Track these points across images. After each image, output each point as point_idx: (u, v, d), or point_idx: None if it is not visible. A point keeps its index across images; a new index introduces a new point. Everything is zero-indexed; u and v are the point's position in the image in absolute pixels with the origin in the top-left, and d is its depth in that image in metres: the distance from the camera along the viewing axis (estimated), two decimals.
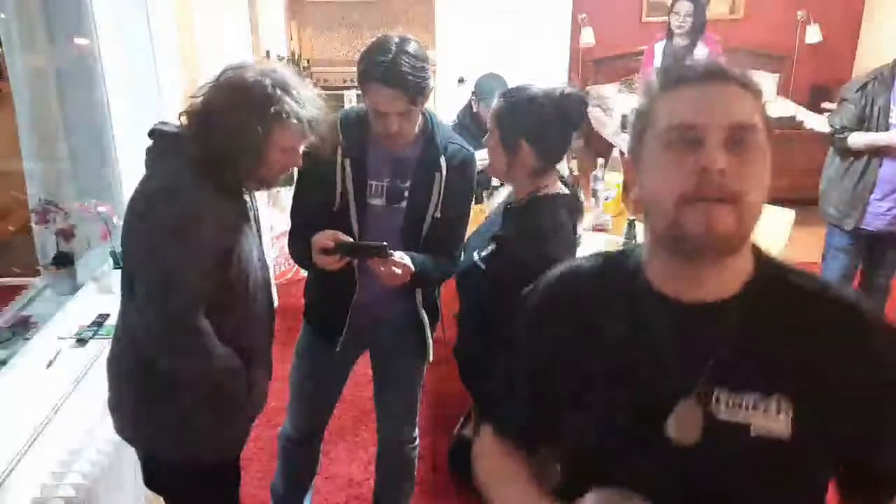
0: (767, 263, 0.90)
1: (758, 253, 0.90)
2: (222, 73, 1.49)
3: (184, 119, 1.50)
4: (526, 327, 1.00)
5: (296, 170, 1.80)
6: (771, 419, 0.82)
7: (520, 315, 1.01)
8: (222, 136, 1.43)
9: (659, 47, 4.35)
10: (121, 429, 1.64)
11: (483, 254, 1.71)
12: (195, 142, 1.46)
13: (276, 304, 1.80)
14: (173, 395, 1.53)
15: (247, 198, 1.61)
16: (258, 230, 1.67)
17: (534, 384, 0.98)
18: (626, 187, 3.59)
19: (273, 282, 2.90)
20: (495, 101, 1.67)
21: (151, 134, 1.52)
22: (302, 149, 1.53)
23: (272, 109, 1.42)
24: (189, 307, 1.44)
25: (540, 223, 1.62)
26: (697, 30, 4.13)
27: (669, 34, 4.19)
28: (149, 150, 1.52)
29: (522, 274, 1.11)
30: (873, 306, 0.89)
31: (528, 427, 1.01)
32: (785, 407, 0.82)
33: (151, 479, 1.70)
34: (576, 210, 1.72)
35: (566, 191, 1.69)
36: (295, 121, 1.45)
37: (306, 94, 1.50)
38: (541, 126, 1.60)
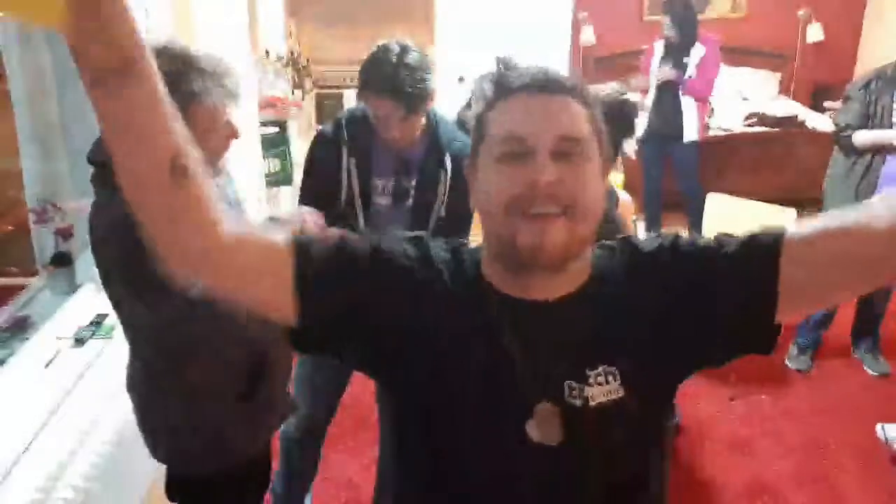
0: (598, 252, 0.91)
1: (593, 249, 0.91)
2: None
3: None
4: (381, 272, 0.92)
5: (302, 170, 1.80)
6: (606, 388, 0.84)
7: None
8: None
9: (659, 46, 4.40)
10: (153, 450, 1.62)
11: None
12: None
13: None
14: (193, 402, 1.51)
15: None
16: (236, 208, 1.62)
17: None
18: (627, 186, 3.60)
19: None
20: None
21: (89, 161, 1.45)
22: (233, 119, 1.40)
23: (183, 90, 1.28)
24: (158, 303, 1.36)
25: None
26: (688, 35, 4.23)
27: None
28: (90, 179, 1.46)
29: None
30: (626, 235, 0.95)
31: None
32: (612, 375, 0.85)
33: (172, 490, 1.68)
34: (612, 196, 1.70)
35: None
36: (211, 97, 1.33)
37: (208, 58, 1.36)
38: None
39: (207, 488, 1.58)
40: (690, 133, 4.32)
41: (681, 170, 4.45)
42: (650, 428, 0.90)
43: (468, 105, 3.40)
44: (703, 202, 3.57)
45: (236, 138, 1.48)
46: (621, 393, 0.84)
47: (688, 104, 4.28)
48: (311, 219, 1.57)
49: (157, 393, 1.57)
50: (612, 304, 0.86)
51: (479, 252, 0.93)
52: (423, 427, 0.88)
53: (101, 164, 1.44)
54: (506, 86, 0.85)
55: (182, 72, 1.30)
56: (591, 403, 0.83)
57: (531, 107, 0.82)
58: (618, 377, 0.84)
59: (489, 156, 0.84)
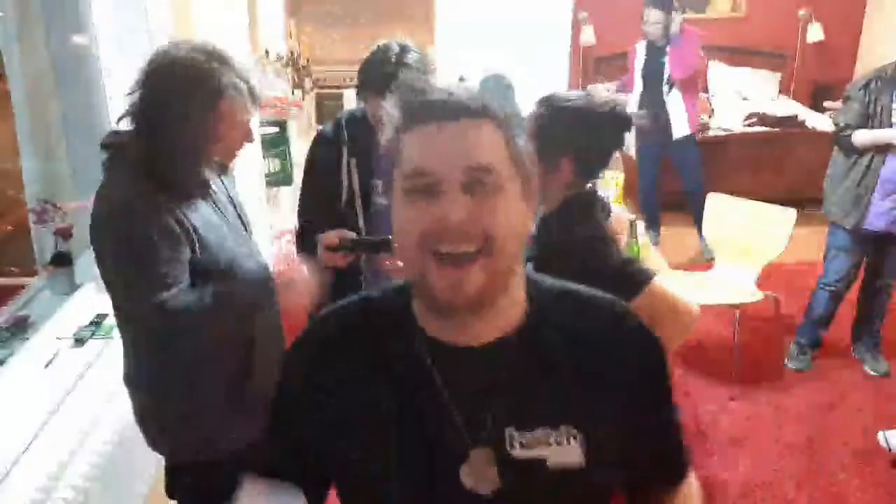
0: (540, 290, 0.86)
1: (533, 283, 0.86)
2: (151, 61, 1.41)
3: (124, 123, 1.45)
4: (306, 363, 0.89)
5: (300, 170, 1.80)
6: (564, 450, 0.80)
7: (293, 352, 0.91)
8: (167, 126, 1.37)
9: (641, 47, 4.38)
10: (151, 442, 1.64)
11: None
12: (139, 140, 1.41)
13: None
14: (186, 393, 1.54)
15: (213, 183, 1.57)
16: (240, 217, 1.65)
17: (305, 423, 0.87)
18: (626, 186, 3.58)
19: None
20: (533, 110, 1.54)
21: (102, 146, 1.48)
22: (252, 122, 1.47)
23: (212, 84, 1.37)
24: (148, 292, 1.40)
25: (589, 217, 1.54)
26: (667, 34, 4.20)
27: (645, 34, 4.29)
28: (102, 164, 1.49)
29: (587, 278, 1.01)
30: (629, 308, 0.88)
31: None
32: (574, 434, 0.80)
33: (172, 488, 1.69)
34: (605, 208, 1.69)
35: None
36: (236, 92, 1.40)
37: (240, 62, 1.45)
38: (588, 143, 1.49)
39: (203, 481, 1.59)
40: (681, 128, 4.28)
41: (682, 168, 4.41)
42: (604, 488, 0.86)
43: None
44: (704, 200, 3.56)
45: (250, 141, 1.52)
46: (577, 458, 0.80)
47: (673, 100, 4.26)
48: (291, 266, 1.60)
49: (151, 384, 1.59)
50: (557, 355, 0.82)
51: (408, 289, 0.86)
52: (357, 476, 0.85)
53: (109, 147, 1.47)
54: (410, 115, 0.79)
55: (214, 68, 1.38)
56: (534, 455, 0.79)
57: (436, 137, 0.76)
58: (577, 439, 0.80)
59: (398, 189, 0.78)
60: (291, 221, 1.94)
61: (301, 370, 0.88)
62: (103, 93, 2.46)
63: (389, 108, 0.81)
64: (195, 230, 1.46)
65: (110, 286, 1.49)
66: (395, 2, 5.77)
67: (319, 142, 1.85)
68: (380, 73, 1.63)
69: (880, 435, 2.63)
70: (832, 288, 3.08)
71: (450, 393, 0.80)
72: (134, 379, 1.62)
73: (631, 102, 4.38)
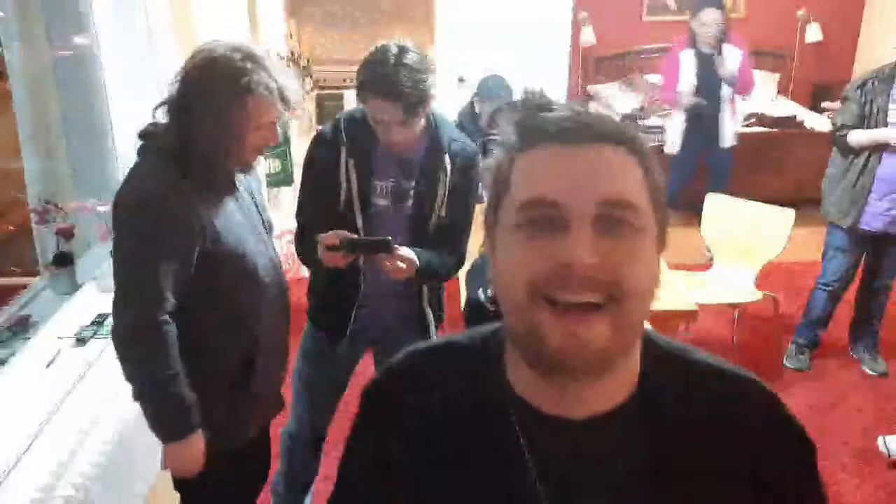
0: (657, 348, 0.71)
1: (645, 342, 0.70)
2: (191, 56, 1.48)
3: (160, 112, 1.50)
4: (370, 434, 0.76)
5: (300, 170, 1.81)
6: None
7: (364, 415, 0.79)
8: (196, 120, 1.43)
9: (686, 57, 4.02)
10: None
11: (490, 292, 1.69)
12: (171, 130, 1.47)
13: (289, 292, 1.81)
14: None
15: (239, 183, 1.61)
16: (261, 216, 1.68)
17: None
18: None
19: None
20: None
21: (138, 136, 1.54)
22: (279, 126, 1.52)
23: (243, 81, 1.42)
24: (147, 295, 1.45)
25: None
26: (723, 36, 3.92)
27: (693, 42, 3.97)
28: (136, 151, 1.55)
29: None
30: (772, 390, 0.74)
31: None
32: None
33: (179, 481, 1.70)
34: None
35: None
36: (267, 92, 1.44)
37: (277, 65, 1.50)
38: None
39: (205, 474, 1.60)
40: (729, 138, 4.18)
41: (716, 173, 4.28)
42: None
43: (470, 105, 3.39)
44: None
45: (275, 143, 1.56)
46: None
47: (726, 113, 4.13)
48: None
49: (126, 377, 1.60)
50: (679, 435, 0.67)
51: (500, 339, 0.72)
52: None
53: (144, 137, 1.53)
54: (530, 132, 0.65)
55: (247, 67, 1.42)
56: None
57: (566, 161, 0.63)
58: None
59: (508, 221, 0.64)
60: (292, 222, 1.95)
61: (370, 437, 0.75)
62: (104, 93, 2.47)
63: (503, 125, 0.68)
64: (212, 224, 1.49)
65: (114, 267, 1.52)
66: (395, 2, 5.77)
67: (318, 142, 1.85)
68: (378, 74, 1.63)
69: (880, 440, 2.64)
70: (830, 288, 3.08)
71: (543, 483, 0.66)
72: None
73: (675, 120, 4.18)
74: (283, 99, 1.48)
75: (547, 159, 0.64)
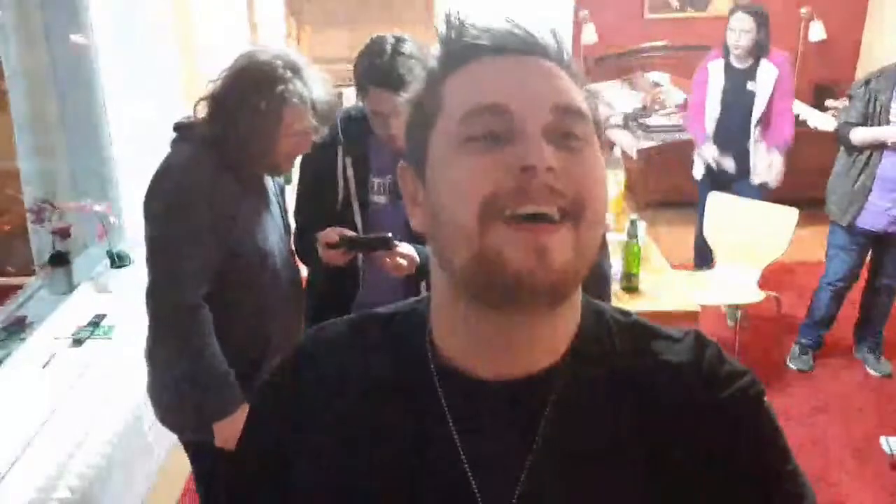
0: (590, 308, 0.64)
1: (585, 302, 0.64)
2: (238, 58, 1.54)
3: (200, 106, 1.56)
4: (268, 411, 0.69)
5: (298, 170, 1.80)
6: None
7: (260, 394, 0.72)
8: (231, 117, 1.49)
9: (715, 67, 3.35)
10: (160, 417, 1.70)
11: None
12: (207, 124, 1.53)
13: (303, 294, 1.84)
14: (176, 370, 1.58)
15: (266, 182, 1.66)
16: (283, 215, 1.72)
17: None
18: (628, 186, 3.54)
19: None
20: None
21: (174, 127, 1.61)
22: (311, 135, 1.57)
23: (278, 89, 1.47)
24: (185, 278, 1.49)
25: None
26: (761, 48, 3.21)
27: (726, 52, 3.29)
28: (171, 142, 1.60)
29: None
30: (712, 341, 0.64)
31: None
32: None
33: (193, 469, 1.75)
34: None
35: None
36: (300, 102, 1.50)
37: (316, 77, 1.55)
38: None
39: (205, 456, 1.63)
40: (761, 173, 3.34)
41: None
42: None
43: None
44: None
45: (305, 151, 1.61)
46: None
47: (760, 144, 3.33)
48: None
49: (162, 362, 1.64)
50: (616, 398, 0.61)
51: (422, 309, 0.66)
52: None
53: (179, 129, 1.58)
54: (464, 46, 0.59)
55: (286, 77, 1.48)
56: None
57: (509, 68, 0.57)
58: None
59: (448, 141, 0.57)
60: (291, 221, 1.94)
61: (274, 411, 0.67)
62: (102, 93, 2.46)
63: (424, 54, 0.62)
64: (240, 216, 1.54)
65: (147, 251, 1.55)
66: (395, 2, 5.76)
67: (315, 141, 1.84)
68: (376, 65, 1.62)
69: (882, 440, 2.62)
70: (833, 287, 3.06)
71: (468, 449, 0.60)
72: (151, 354, 1.66)
73: (700, 140, 3.45)
74: (315, 110, 1.53)
75: (489, 69, 0.58)
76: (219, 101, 1.52)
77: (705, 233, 3.41)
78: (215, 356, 1.52)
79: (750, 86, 3.28)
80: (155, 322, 1.55)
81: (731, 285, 3.17)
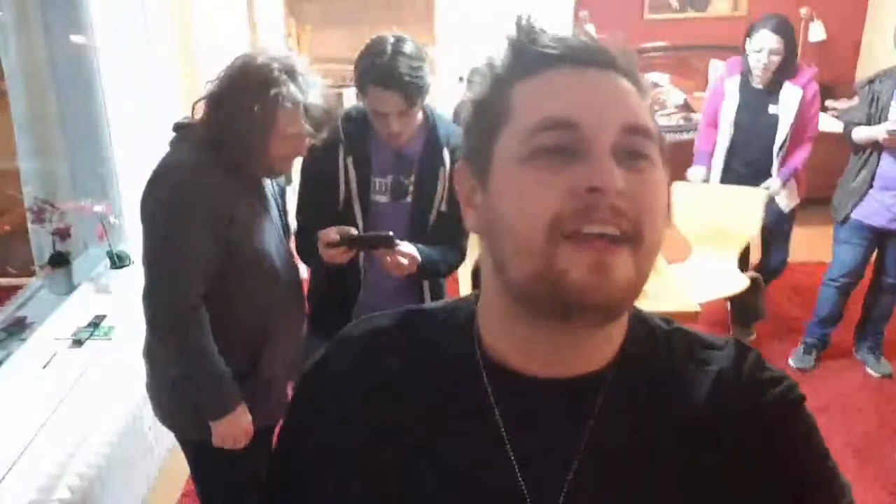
0: (635, 316, 0.65)
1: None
2: (235, 58, 1.55)
3: (199, 107, 1.57)
4: (310, 409, 0.68)
5: (299, 169, 1.81)
6: None
7: (302, 391, 0.71)
8: (226, 119, 1.49)
9: (731, 85, 3.05)
10: (160, 417, 1.70)
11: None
12: (204, 124, 1.53)
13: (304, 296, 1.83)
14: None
15: (265, 185, 1.66)
16: (282, 216, 1.72)
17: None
18: None
19: None
20: None
21: (173, 128, 1.61)
22: (306, 138, 1.57)
23: (272, 92, 1.47)
24: (182, 277, 1.49)
25: None
26: (785, 69, 2.89)
27: (746, 69, 2.98)
28: (169, 142, 1.61)
29: None
30: (755, 350, 0.65)
31: None
32: None
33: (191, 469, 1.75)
34: None
35: None
36: (293, 106, 1.49)
37: (312, 81, 1.55)
38: None
39: (204, 456, 1.64)
40: (789, 200, 3.13)
41: (771, 238, 3.31)
42: None
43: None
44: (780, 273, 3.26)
45: (301, 154, 1.61)
46: None
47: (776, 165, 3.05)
48: None
49: (159, 361, 1.64)
50: (660, 404, 0.61)
51: (469, 306, 0.66)
52: None
53: (178, 129, 1.59)
54: (536, 54, 0.58)
55: (281, 79, 1.48)
56: None
57: (581, 82, 0.56)
58: None
59: (512, 153, 0.56)
60: (292, 221, 1.94)
61: (311, 408, 0.67)
62: (101, 93, 2.45)
63: (491, 59, 0.61)
64: (238, 216, 1.54)
65: (144, 250, 1.55)
66: (395, 2, 5.76)
67: (316, 142, 1.84)
68: (377, 65, 1.62)
69: None
70: (836, 283, 3.06)
71: (515, 447, 0.60)
72: (150, 352, 1.66)
73: (697, 158, 3.21)
74: (307, 113, 1.52)
75: (562, 80, 0.57)
76: (215, 102, 1.52)
77: (676, 222, 3.26)
78: (213, 355, 1.52)
79: (772, 108, 2.94)
80: (152, 322, 1.55)
81: (715, 274, 3.13)
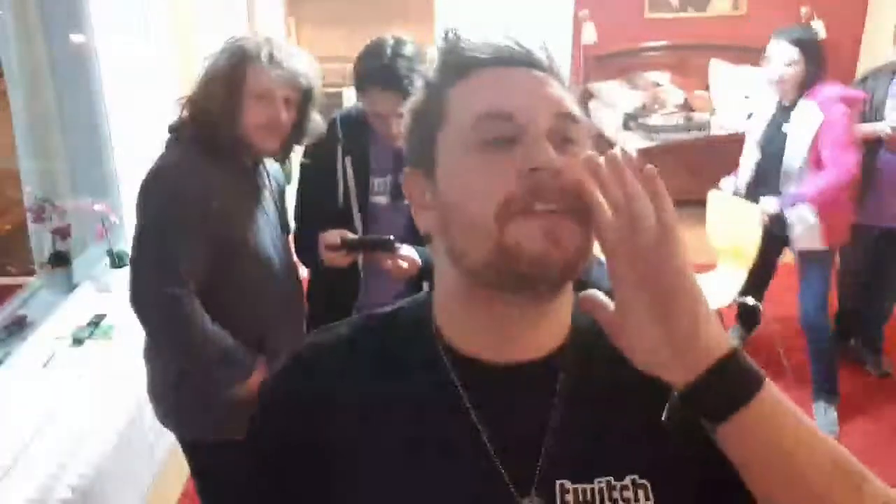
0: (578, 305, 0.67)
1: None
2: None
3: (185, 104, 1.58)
4: (276, 426, 0.69)
5: (298, 170, 1.80)
6: None
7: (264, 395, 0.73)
8: (201, 92, 1.51)
9: (768, 98, 2.82)
10: (161, 417, 1.70)
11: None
12: (188, 111, 1.54)
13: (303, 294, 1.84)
14: (185, 373, 1.59)
15: (263, 181, 1.65)
16: (280, 215, 1.71)
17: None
18: None
19: None
20: None
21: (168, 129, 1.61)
22: (282, 99, 1.54)
23: (240, 50, 1.49)
24: (171, 270, 1.48)
25: None
26: (808, 87, 2.60)
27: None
28: (165, 143, 1.61)
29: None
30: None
31: None
32: (642, 485, 0.63)
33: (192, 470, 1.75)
34: None
35: None
36: (265, 61, 1.49)
37: (289, 49, 1.55)
38: None
39: (204, 456, 1.64)
40: (808, 239, 2.64)
41: (801, 288, 2.83)
42: None
43: None
44: (828, 346, 2.79)
45: (274, 121, 1.54)
46: None
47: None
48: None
49: (158, 361, 1.64)
50: (613, 383, 0.64)
51: (425, 304, 0.69)
52: None
53: (171, 130, 1.59)
54: (465, 59, 0.64)
55: (257, 42, 1.51)
56: None
57: (511, 79, 0.62)
58: (647, 492, 0.63)
59: (456, 148, 0.62)
60: (291, 220, 1.94)
61: (283, 414, 0.68)
62: (101, 91, 2.45)
63: (426, 67, 0.67)
64: (229, 210, 1.53)
65: (133, 251, 1.56)
66: (395, 1, 5.76)
67: (315, 141, 1.84)
68: (377, 66, 1.62)
69: None
70: (840, 279, 3.05)
71: (487, 428, 0.63)
72: (149, 353, 1.66)
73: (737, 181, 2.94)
74: (273, 62, 1.51)
75: (493, 78, 0.63)
76: (195, 87, 1.54)
77: (708, 234, 3.29)
78: (214, 334, 1.51)
79: (785, 127, 2.65)
80: (147, 317, 1.52)
81: (726, 287, 3.11)
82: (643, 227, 0.53)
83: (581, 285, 0.63)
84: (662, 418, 0.57)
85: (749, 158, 2.86)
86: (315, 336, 0.72)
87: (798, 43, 2.58)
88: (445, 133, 0.63)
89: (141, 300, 1.52)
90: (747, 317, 3.27)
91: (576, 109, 0.63)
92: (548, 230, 0.58)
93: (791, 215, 2.63)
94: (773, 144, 2.71)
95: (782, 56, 2.59)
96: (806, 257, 2.75)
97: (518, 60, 0.64)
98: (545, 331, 0.66)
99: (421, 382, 0.65)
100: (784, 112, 2.68)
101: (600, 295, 0.59)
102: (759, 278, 3.02)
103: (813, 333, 2.79)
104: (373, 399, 0.65)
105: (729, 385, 0.54)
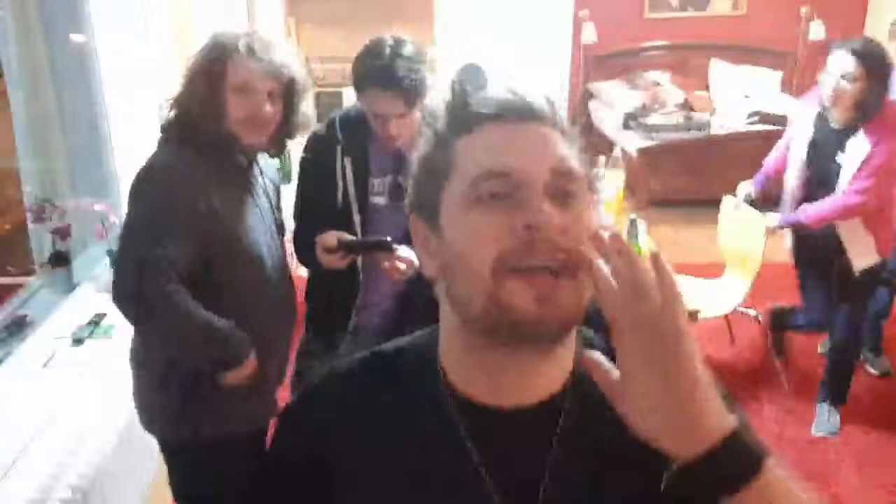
0: (581, 338, 0.71)
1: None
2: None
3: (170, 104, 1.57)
4: (287, 460, 0.73)
5: (297, 170, 1.80)
6: None
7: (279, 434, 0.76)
8: (185, 88, 1.51)
9: (807, 111, 2.55)
10: (146, 422, 1.69)
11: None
12: (174, 110, 1.54)
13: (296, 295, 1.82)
14: (167, 376, 1.58)
15: (256, 180, 1.64)
16: (275, 213, 1.70)
17: None
18: (628, 185, 3.52)
19: None
20: None
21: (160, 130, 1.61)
22: (264, 91, 1.52)
23: (225, 45, 1.48)
24: (153, 264, 1.44)
25: None
26: (866, 108, 2.30)
27: (822, 100, 2.42)
28: (157, 143, 1.60)
29: None
30: None
31: None
32: None
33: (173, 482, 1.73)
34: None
35: None
36: (244, 52, 1.48)
37: (271, 42, 1.54)
38: None
39: (185, 460, 1.64)
40: (863, 259, 2.53)
41: (840, 308, 2.69)
42: None
43: None
44: (852, 363, 2.75)
45: (255, 114, 1.52)
46: None
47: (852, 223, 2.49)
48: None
49: (144, 366, 1.64)
50: (612, 425, 0.62)
51: (431, 343, 0.72)
52: None
53: (163, 130, 1.59)
54: (470, 114, 0.66)
55: (237, 35, 1.50)
56: None
57: (512, 136, 0.65)
58: None
59: (458, 202, 0.64)
60: (290, 220, 1.93)
61: (295, 446, 0.72)
62: (101, 91, 2.45)
63: (433, 112, 0.69)
64: (221, 210, 1.51)
65: (118, 247, 1.56)
66: (395, 1, 5.76)
67: (314, 142, 1.84)
68: (377, 66, 1.62)
69: None
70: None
71: (490, 473, 0.65)
72: (136, 356, 1.65)
73: (755, 182, 2.81)
74: (251, 53, 1.49)
75: (496, 135, 0.65)
76: (180, 86, 1.54)
77: (719, 241, 3.22)
78: (206, 316, 1.49)
79: (839, 157, 2.41)
80: (127, 311, 1.50)
81: (731, 294, 3.07)
82: (646, 295, 0.53)
83: (585, 319, 0.64)
84: (661, 487, 0.57)
85: (792, 178, 2.61)
86: (331, 367, 0.76)
87: (861, 55, 2.27)
88: (450, 184, 0.66)
89: (122, 296, 1.49)
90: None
91: (575, 164, 0.65)
92: (541, 295, 0.60)
93: (841, 232, 2.50)
94: (823, 171, 2.45)
95: (842, 67, 2.28)
96: (856, 279, 2.56)
97: (522, 115, 0.66)
98: (545, 376, 0.67)
99: (426, 421, 0.68)
100: (836, 137, 2.40)
101: (603, 360, 0.59)
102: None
103: (843, 354, 2.74)
104: (379, 431, 0.68)
105: (730, 466, 0.54)
